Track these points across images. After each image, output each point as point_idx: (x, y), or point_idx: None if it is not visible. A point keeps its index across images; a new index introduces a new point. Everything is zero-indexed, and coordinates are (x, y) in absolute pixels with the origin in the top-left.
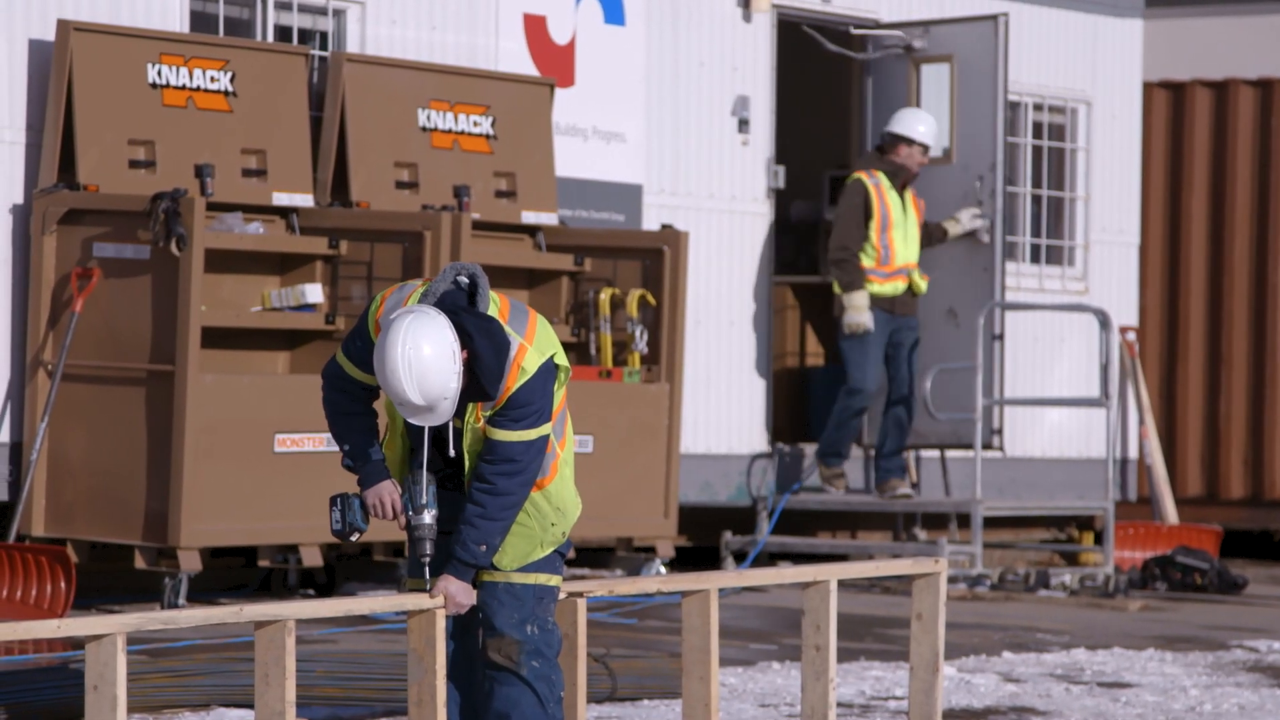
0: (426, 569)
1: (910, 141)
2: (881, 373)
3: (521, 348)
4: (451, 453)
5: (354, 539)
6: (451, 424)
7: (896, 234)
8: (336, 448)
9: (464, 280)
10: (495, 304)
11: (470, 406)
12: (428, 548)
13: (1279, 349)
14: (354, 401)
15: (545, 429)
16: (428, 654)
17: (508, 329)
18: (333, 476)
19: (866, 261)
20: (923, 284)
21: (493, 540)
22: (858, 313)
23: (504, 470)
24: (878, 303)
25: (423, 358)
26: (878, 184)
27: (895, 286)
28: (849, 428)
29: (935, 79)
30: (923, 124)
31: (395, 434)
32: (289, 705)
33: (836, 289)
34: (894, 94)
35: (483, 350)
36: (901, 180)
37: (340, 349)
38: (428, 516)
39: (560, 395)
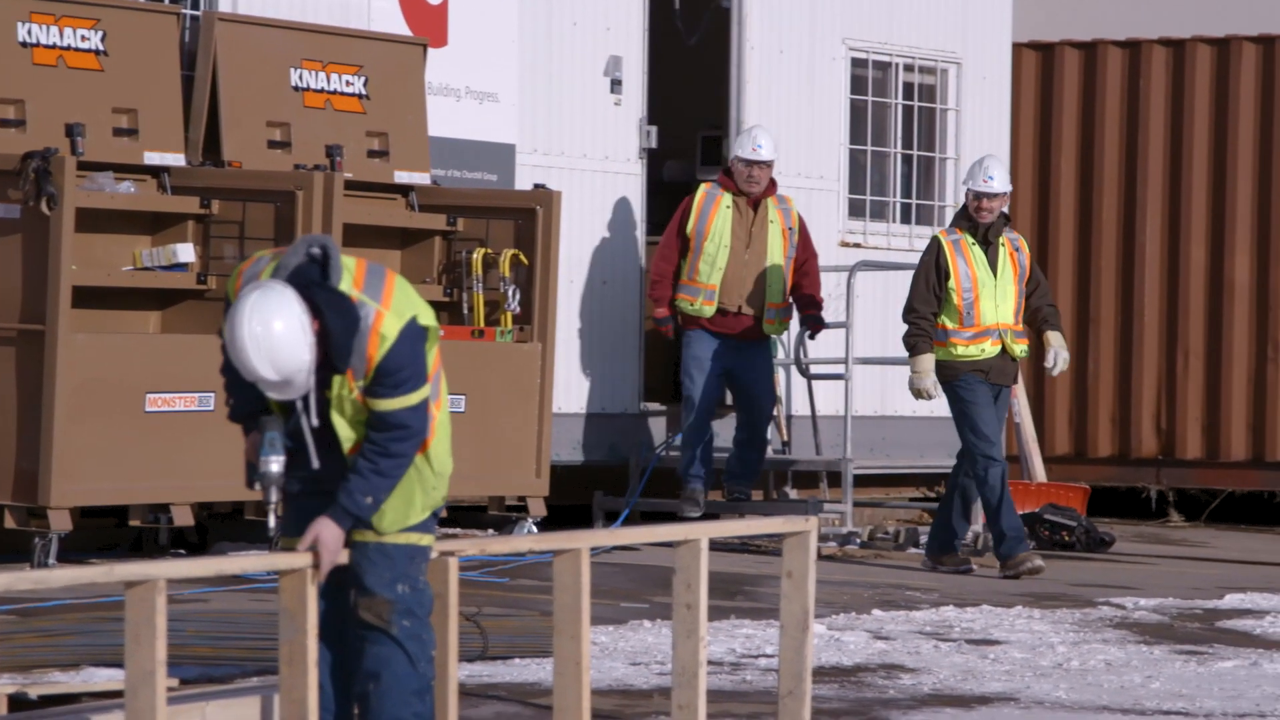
0: (273, 519)
1: (976, 194)
2: (1000, 431)
3: (379, 314)
4: (315, 421)
5: (258, 487)
6: (315, 394)
7: (983, 292)
8: (209, 408)
9: (316, 252)
10: (349, 272)
11: (340, 379)
12: (272, 494)
13: (1146, 308)
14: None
15: (426, 389)
16: (299, 613)
17: (363, 296)
18: (203, 436)
19: (949, 323)
20: (1017, 348)
21: (379, 495)
22: (918, 377)
23: (396, 436)
24: (969, 367)
25: (273, 333)
26: (957, 241)
27: (982, 348)
28: (1003, 504)
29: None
30: (992, 172)
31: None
32: (159, 664)
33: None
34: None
35: (332, 325)
36: (983, 234)
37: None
38: (273, 465)
39: (434, 355)
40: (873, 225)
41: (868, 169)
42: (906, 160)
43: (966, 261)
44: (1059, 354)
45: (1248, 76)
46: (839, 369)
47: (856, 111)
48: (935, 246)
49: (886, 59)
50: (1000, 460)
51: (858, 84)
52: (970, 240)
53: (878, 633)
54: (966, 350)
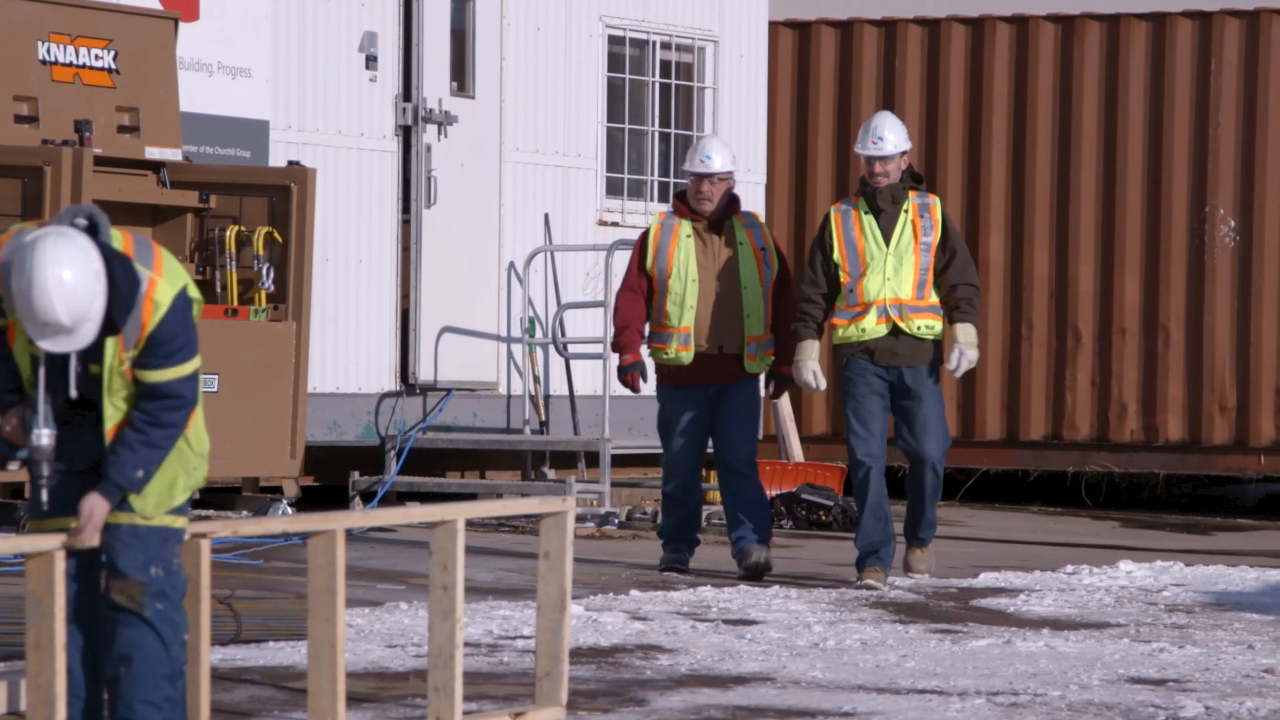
0: (44, 494)
1: (868, 159)
2: (882, 432)
3: (152, 281)
4: (74, 393)
5: (12, 468)
6: (76, 364)
7: (871, 265)
8: None
9: (82, 222)
10: (119, 240)
11: (113, 349)
12: (44, 469)
13: None
14: None
15: (198, 360)
16: (46, 597)
17: (136, 265)
18: None
19: (838, 303)
20: (916, 325)
21: (150, 467)
22: (797, 369)
23: (168, 405)
24: (853, 349)
25: (71, 276)
26: (847, 211)
27: (862, 328)
28: (864, 509)
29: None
30: (882, 132)
31: (26, 383)
32: None
33: None
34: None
35: (118, 276)
36: (878, 200)
37: None
38: (44, 438)
39: None
40: (630, 204)
41: (625, 147)
42: (664, 138)
43: (855, 234)
44: (963, 352)
45: (1002, 55)
46: (597, 348)
47: (614, 89)
48: (824, 223)
49: (643, 36)
50: (867, 461)
51: (615, 61)
52: (864, 209)
53: (635, 613)
54: (847, 331)
